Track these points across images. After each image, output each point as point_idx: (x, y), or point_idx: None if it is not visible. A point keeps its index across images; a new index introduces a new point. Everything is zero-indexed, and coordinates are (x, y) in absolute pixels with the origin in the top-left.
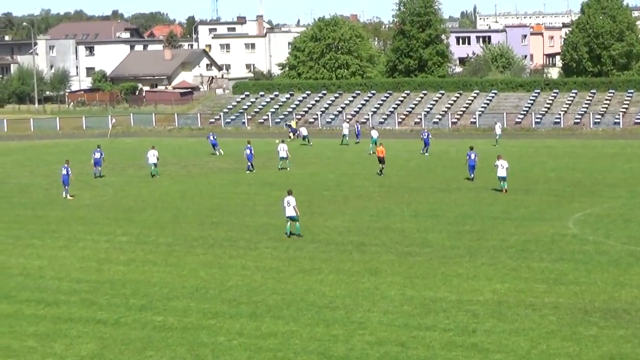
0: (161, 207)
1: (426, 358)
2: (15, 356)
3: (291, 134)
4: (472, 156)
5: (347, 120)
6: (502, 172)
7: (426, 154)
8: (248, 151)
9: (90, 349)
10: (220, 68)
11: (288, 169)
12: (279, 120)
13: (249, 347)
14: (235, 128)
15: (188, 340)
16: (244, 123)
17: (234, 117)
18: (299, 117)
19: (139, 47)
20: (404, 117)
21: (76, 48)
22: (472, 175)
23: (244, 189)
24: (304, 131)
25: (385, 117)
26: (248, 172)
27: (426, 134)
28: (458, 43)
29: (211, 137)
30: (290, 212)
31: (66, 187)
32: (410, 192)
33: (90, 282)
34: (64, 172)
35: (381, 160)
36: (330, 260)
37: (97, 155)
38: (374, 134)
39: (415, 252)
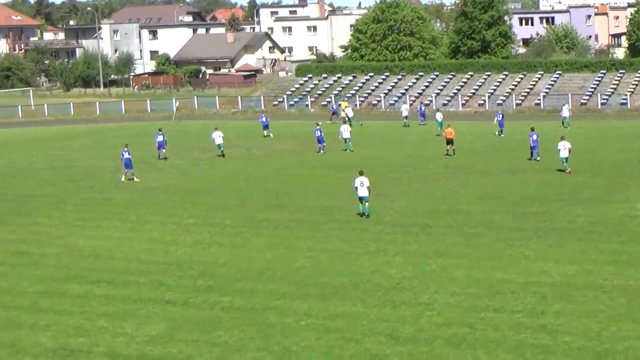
0: (226, 190)
1: (494, 339)
2: (86, 335)
3: (333, 116)
4: (535, 137)
5: (408, 102)
6: (564, 154)
7: (502, 135)
8: (318, 133)
9: (159, 329)
10: (282, 51)
11: (351, 149)
12: (341, 102)
13: (317, 327)
14: (298, 110)
15: (256, 321)
16: (307, 105)
17: (297, 99)
18: (362, 99)
19: (201, 31)
20: (467, 98)
21: (140, 32)
22: (536, 157)
23: (309, 171)
24: (349, 112)
25: (449, 98)
26: (320, 153)
27: (500, 115)
28: (521, 24)
29: (263, 119)
30: (363, 192)
31: (126, 170)
32: (475, 174)
33: (158, 263)
34: (126, 155)
35: (450, 142)
36: (396, 242)
37: (160, 138)
38: (439, 116)
39: (481, 233)
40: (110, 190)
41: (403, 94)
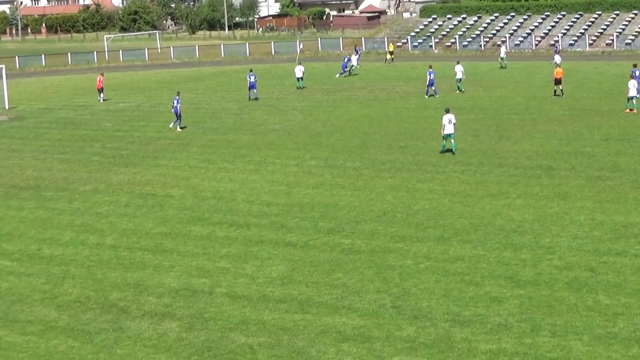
0: (349, 132)
1: (616, 284)
2: (209, 276)
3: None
4: (637, 73)
5: (502, 42)
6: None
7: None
8: (432, 76)
9: (280, 271)
10: None
11: (462, 90)
12: (466, 43)
13: (437, 270)
14: (422, 52)
15: (376, 263)
16: (431, 46)
17: (421, 40)
18: (487, 40)
19: None
20: (594, 38)
21: None
22: None
23: (431, 112)
24: (354, 60)
25: (576, 38)
26: (428, 96)
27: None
28: None
29: (251, 79)
30: (449, 129)
31: (177, 120)
32: (601, 116)
33: (279, 205)
34: (175, 103)
35: (558, 81)
36: (518, 184)
37: (252, 78)
38: (557, 59)
39: (605, 176)
40: (234, 132)
41: (528, 34)
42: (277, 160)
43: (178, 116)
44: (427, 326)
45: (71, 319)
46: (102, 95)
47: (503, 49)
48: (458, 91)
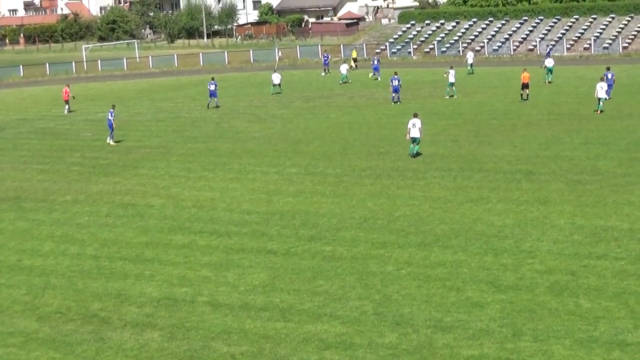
0: (329, 139)
1: (597, 287)
2: (190, 285)
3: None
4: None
5: (474, 50)
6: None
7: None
8: (396, 82)
9: (261, 279)
10: None
11: (455, 96)
12: (444, 49)
13: (418, 276)
14: (401, 58)
15: (357, 270)
16: (409, 53)
17: (399, 46)
18: (465, 45)
19: None
20: (572, 42)
21: None
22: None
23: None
24: (343, 70)
25: (554, 43)
26: (393, 103)
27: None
28: None
29: (211, 87)
30: (415, 133)
31: (111, 132)
32: (580, 120)
33: (260, 213)
34: (109, 116)
35: (525, 86)
36: (499, 189)
37: (212, 87)
38: (549, 62)
39: (585, 180)
40: (214, 141)
41: (507, 39)
42: (258, 168)
43: (111, 129)
44: (409, 332)
45: (52, 330)
46: (67, 107)
47: (470, 55)
48: (448, 97)
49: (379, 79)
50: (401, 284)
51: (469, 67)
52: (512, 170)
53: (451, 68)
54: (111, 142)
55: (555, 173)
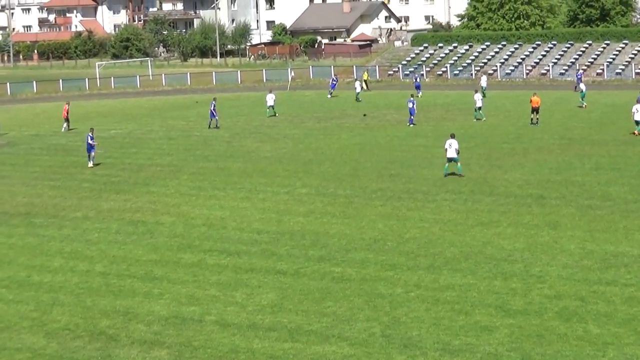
0: (340, 160)
1: (606, 313)
2: (198, 304)
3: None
4: None
5: (486, 73)
6: (638, 117)
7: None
8: (411, 104)
9: (270, 299)
10: (398, 20)
11: (484, 118)
12: (457, 72)
13: (427, 299)
14: (414, 80)
15: (366, 292)
16: (422, 75)
17: (412, 69)
18: (478, 68)
19: (318, 0)
20: (585, 67)
21: (257, 2)
22: None
23: (422, 141)
24: (357, 87)
25: (566, 68)
26: (410, 125)
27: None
28: None
29: (212, 107)
30: (451, 153)
31: (90, 155)
32: (592, 145)
33: (270, 233)
34: (89, 140)
35: (535, 110)
36: (509, 213)
37: (211, 107)
38: (583, 87)
39: (596, 205)
40: (225, 160)
41: (519, 63)
42: (268, 188)
43: (90, 152)
44: (417, 355)
45: (60, 347)
46: (65, 125)
47: (484, 78)
48: (475, 120)
49: (419, 95)
50: (410, 306)
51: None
52: (523, 195)
53: (476, 92)
54: (90, 164)
55: (566, 198)
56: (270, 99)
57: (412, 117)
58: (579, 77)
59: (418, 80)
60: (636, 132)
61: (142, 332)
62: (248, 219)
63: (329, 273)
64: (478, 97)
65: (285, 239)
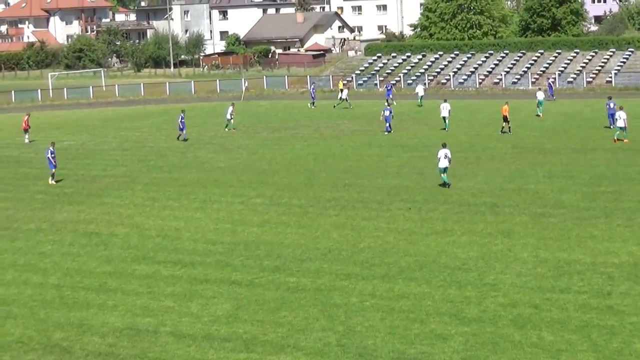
0: (294, 170)
1: (560, 320)
2: (153, 315)
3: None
4: (612, 105)
5: (423, 82)
6: (620, 123)
7: (612, 126)
8: (387, 112)
9: (225, 309)
10: (352, 30)
11: (446, 129)
12: (410, 81)
13: (382, 308)
14: (367, 90)
15: (321, 301)
16: (376, 85)
17: (366, 78)
18: (431, 78)
19: (271, 11)
20: (537, 76)
21: (210, 12)
22: (613, 126)
23: (376, 150)
24: (344, 94)
25: (519, 77)
26: (386, 133)
27: (613, 104)
28: (593, 1)
29: (180, 118)
30: (444, 163)
31: (52, 171)
32: (544, 153)
33: (224, 243)
34: (49, 154)
35: (505, 119)
36: (463, 221)
37: (179, 119)
38: (540, 95)
39: (549, 213)
40: (179, 170)
41: (472, 72)
42: (222, 198)
43: (53, 167)
44: None
45: None
46: (26, 136)
47: (420, 87)
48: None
49: (394, 103)
50: (365, 315)
51: (418, 100)
52: (477, 203)
53: (445, 101)
54: (52, 181)
55: (519, 206)
56: (444, 109)
57: (388, 125)
58: (549, 85)
59: (389, 89)
60: (616, 138)
61: (97, 344)
62: (202, 229)
63: (284, 283)
64: (444, 106)
65: (239, 250)
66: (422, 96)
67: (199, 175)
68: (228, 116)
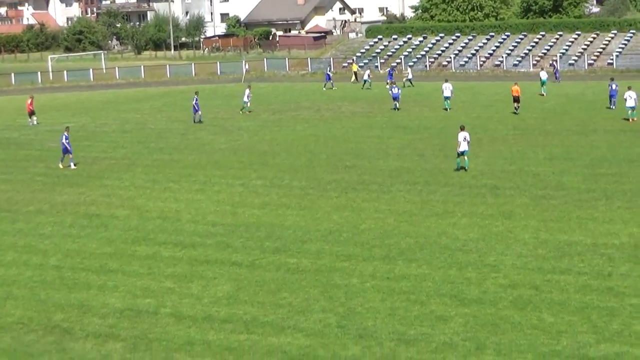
0: (295, 151)
1: (560, 301)
2: (153, 296)
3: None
4: (614, 87)
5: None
6: (630, 103)
7: (613, 107)
8: (396, 90)
9: (225, 290)
10: (353, 12)
11: (448, 109)
12: (412, 63)
13: (382, 289)
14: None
15: (321, 282)
16: (376, 66)
17: (367, 60)
18: (432, 60)
19: None
20: (538, 58)
21: None
22: (614, 107)
23: (377, 132)
24: (366, 75)
25: (520, 59)
26: (395, 110)
27: (615, 85)
28: None
29: (194, 101)
30: (464, 147)
31: (66, 155)
32: (545, 135)
33: (225, 225)
34: (63, 139)
35: (516, 99)
36: (464, 203)
37: (194, 101)
38: (543, 75)
39: (549, 195)
40: (180, 152)
41: (473, 54)
42: (223, 180)
43: (67, 152)
44: (373, 345)
45: (13, 341)
46: (34, 118)
47: (409, 70)
48: (445, 110)
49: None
50: (365, 297)
51: (407, 82)
52: (477, 185)
53: (446, 81)
54: (72, 165)
55: (519, 188)
56: (446, 89)
57: (396, 102)
58: (554, 67)
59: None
60: (631, 119)
61: (97, 325)
62: (203, 211)
63: (285, 264)
64: (446, 86)
65: (240, 231)
66: (410, 79)
67: (199, 157)
68: (245, 99)
